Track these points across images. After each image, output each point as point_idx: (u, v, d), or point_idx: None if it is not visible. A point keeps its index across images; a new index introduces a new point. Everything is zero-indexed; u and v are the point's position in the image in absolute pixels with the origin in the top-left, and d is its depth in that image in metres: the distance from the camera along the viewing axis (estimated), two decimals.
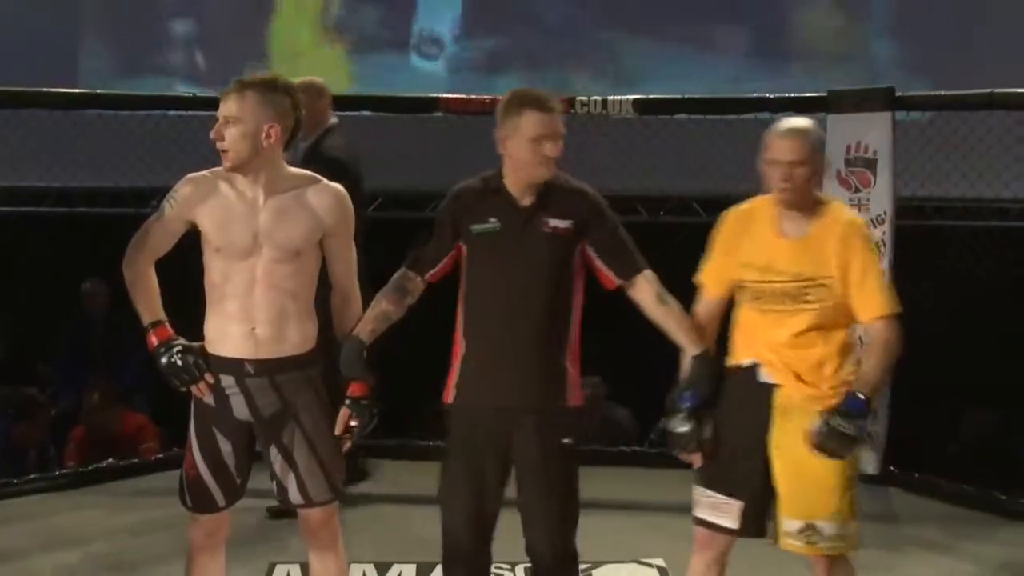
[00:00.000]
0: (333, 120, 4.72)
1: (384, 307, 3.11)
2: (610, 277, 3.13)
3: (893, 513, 5.04)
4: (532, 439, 3.09)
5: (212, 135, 2.96)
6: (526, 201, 3.08)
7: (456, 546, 3.19)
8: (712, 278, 3.16)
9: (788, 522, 3.01)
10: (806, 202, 3.02)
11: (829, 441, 2.93)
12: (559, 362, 3.11)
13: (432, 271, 3.15)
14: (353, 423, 3.03)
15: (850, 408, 2.95)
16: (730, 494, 3.08)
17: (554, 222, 3.07)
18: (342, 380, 3.05)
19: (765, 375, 3.05)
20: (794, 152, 2.96)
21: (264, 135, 2.94)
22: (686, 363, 3.15)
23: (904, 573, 4.28)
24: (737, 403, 3.09)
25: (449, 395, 3.17)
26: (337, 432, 3.04)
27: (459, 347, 3.16)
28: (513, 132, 3.04)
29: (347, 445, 3.07)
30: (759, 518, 3.09)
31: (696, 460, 3.12)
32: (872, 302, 3.00)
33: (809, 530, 2.99)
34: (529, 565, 3.49)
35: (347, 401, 3.04)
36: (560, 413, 3.12)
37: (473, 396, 3.13)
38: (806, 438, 2.95)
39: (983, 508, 4.97)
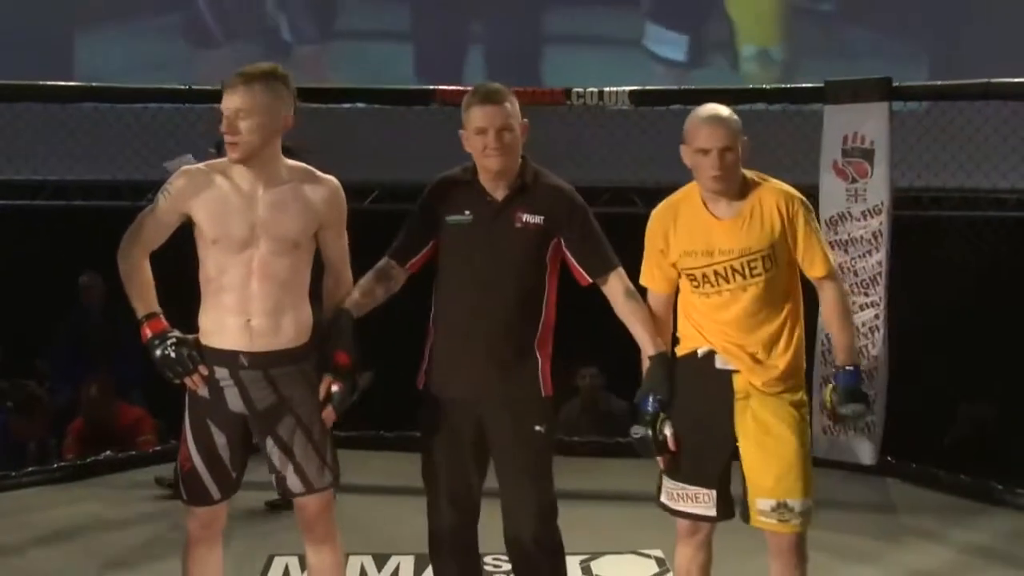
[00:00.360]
0: None
1: (371, 286, 3.15)
2: (583, 275, 3.18)
3: (890, 503, 5.06)
4: (503, 427, 3.13)
5: (224, 128, 2.93)
6: (500, 195, 3.13)
7: (440, 526, 3.22)
8: (654, 278, 3.20)
9: (761, 502, 3.07)
10: (735, 184, 3.08)
11: (849, 423, 3.03)
12: (528, 352, 3.15)
13: (412, 260, 3.19)
14: (335, 387, 3.01)
15: (849, 384, 3.08)
16: (704, 484, 3.14)
17: (526, 217, 3.11)
18: (329, 350, 3.04)
19: (722, 361, 3.10)
20: (724, 138, 3.01)
21: (275, 125, 2.97)
22: (645, 363, 3.19)
23: (901, 562, 4.28)
24: (698, 392, 3.13)
25: (421, 381, 3.23)
26: (320, 398, 3.03)
27: (430, 335, 3.22)
28: (466, 126, 3.12)
29: (328, 412, 3.03)
30: (729, 501, 3.17)
31: (661, 462, 3.16)
32: (819, 260, 3.09)
33: (782, 508, 3.06)
34: None
35: (331, 368, 3.03)
36: (531, 401, 3.15)
37: (441, 384, 3.18)
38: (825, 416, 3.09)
39: (980, 498, 4.98)
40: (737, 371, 3.08)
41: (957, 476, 5.12)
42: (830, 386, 3.16)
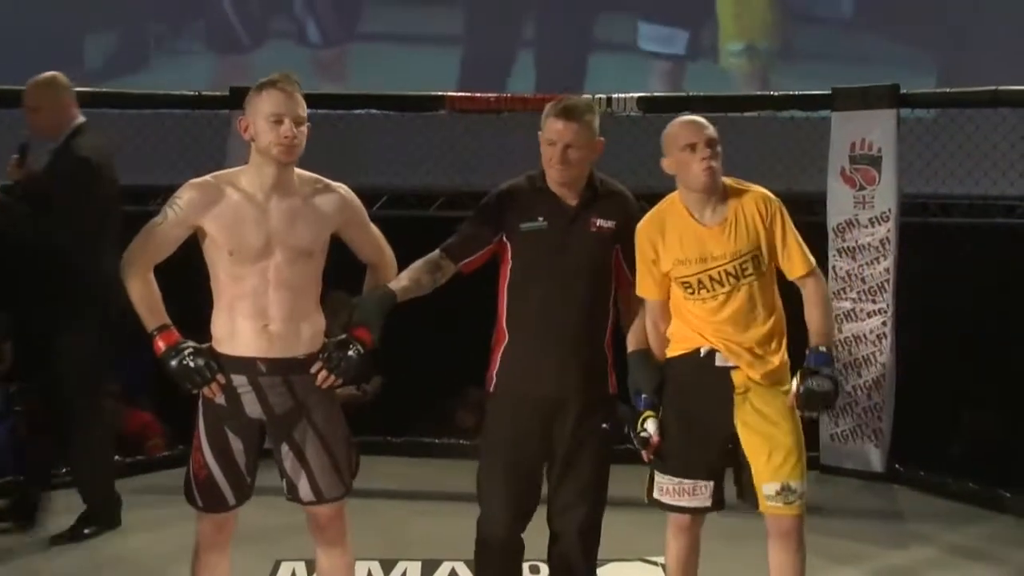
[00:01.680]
0: (81, 119, 4.45)
1: (418, 274, 3.18)
2: (632, 282, 3.27)
3: (899, 510, 5.05)
4: (574, 426, 3.20)
5: (288, 132, 2.93)
6: (572, 201, 3.21)
7: (492, 533, 3.25)
8: (649, 287, 3.27)
9: (767, 486, 3.19)
10: (719, 186, 3.19)
11: (814, 401, 3.15)
12: (600, 352, 3.24)
13: (467, 260, 3.23)
14: (350, 352, 3.01)
15: (819, 363, 3.16)
16: (703, 476, 3.23)
17: (600, 221, 3.21)
18: (352, 321, 3.04)
19: (722, 359, 3.19)
20: (709, 133, 3.14)
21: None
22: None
23: (907, 569, 4.28)
24: (698, 389, 3.22)
25: (491, 384, 3.25)
26: (321, 357, 3.02)
27: (502, 338, 3.25)
28: (542, 132, 3.21)
29: (322, 373, 3.02)
30: (722, 492, 3.26)
31: (644, 455, 3.23)
32: (798, 260, 3.21)
33: (785, 491, 3.19)
34: (533, 563, 3.51)
35: (346, 336, 3.04)
36: (601, 400, 3.25)
37: (517, 385, 3.22)
38: (792, 403, 3.16)
39: (988, 505, 4.98)
40: (737, 367, 3.18)
41: (966, 484, 5.12)
42: (800, 369, 3.19)
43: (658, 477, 3.27)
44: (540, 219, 3.19)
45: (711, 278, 3.16)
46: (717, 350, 3.18)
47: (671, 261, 3.19)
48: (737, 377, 3.19)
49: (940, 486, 5.20)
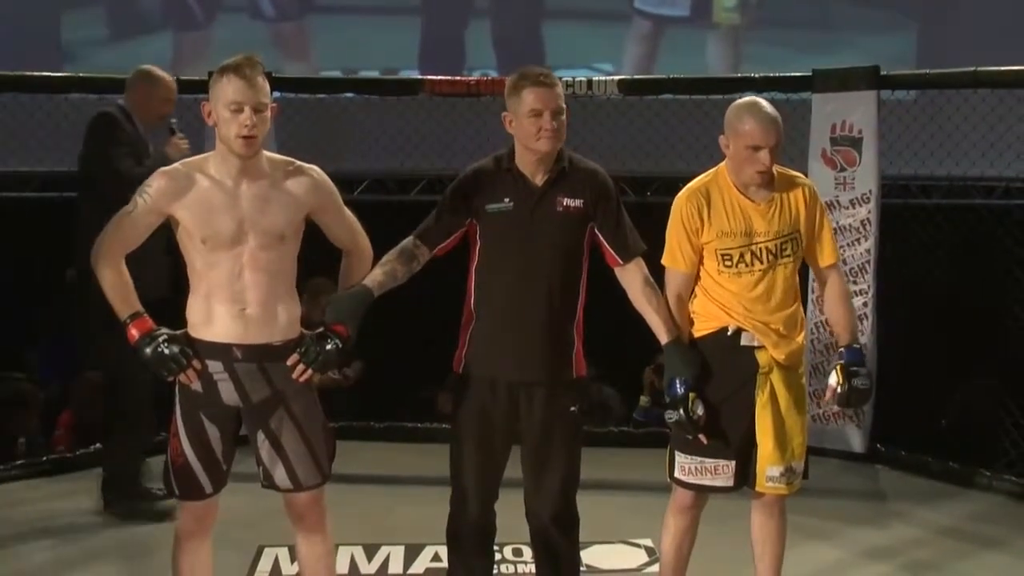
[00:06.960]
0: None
1: (393, 266, 3.14)
2: (615, 257, 3.23)
3: (880, 490, 5.09)
4: (542, 410, 3.19)
5: (248, 122, 2.86)
6: (539, 180, 3.16)
7: (465, 511, 3.26)
8: (682, 257, 3.27)
9: (772, 469, 3.25)
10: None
11: (856, 399, 3.28)
12: (568, 336, 3.21)
13: (441, 245, 3.20)
14: (328, 346, 2.98)
15: (858, 361, 3.28)
16: (725, 456, 3.26)
17: (567, 201, 3.16)
18: (329, 318, 3.01)
19: (748, 338, 3.23)
20: (777, 136, 3.15)
21: (272, 117, 2.96)
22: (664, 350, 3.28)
23: (890, 549, 4.31)
24: (723, 368, 3.25)
25: (459, 365, 3.24)
26: (299, 351, 2.99)
27: (470, 319, 3.23)
28: (514, 109, 3.12)
29: (298, 366, 2.99)
30: (746, 470, 3.29)
31: (701, 439, 3.23)
32: (830, 250, 3.32)
33: (789, 472, 3.27)
34: (516, 546, 3.50)
35: (324, 330, 3.01)
36: (568, 384, 3.22)
37: (484, 368, 3.20)
38: (829, 399, 3.28)
39: (967, 484, 5.02)
40: (762, 347, 3.22)
41: (946, 463, 5.16)
42: (839, 365, 3.27)
43: (679, 457, 3.30)
44: (506, 200, 3.15)
45: (752, 253, 3.21)
46: (744, 329, 3.22)
47: (716, 232, 3.21)
48: (762, 357, 3.23)
49: (921, 466, 5.24)
